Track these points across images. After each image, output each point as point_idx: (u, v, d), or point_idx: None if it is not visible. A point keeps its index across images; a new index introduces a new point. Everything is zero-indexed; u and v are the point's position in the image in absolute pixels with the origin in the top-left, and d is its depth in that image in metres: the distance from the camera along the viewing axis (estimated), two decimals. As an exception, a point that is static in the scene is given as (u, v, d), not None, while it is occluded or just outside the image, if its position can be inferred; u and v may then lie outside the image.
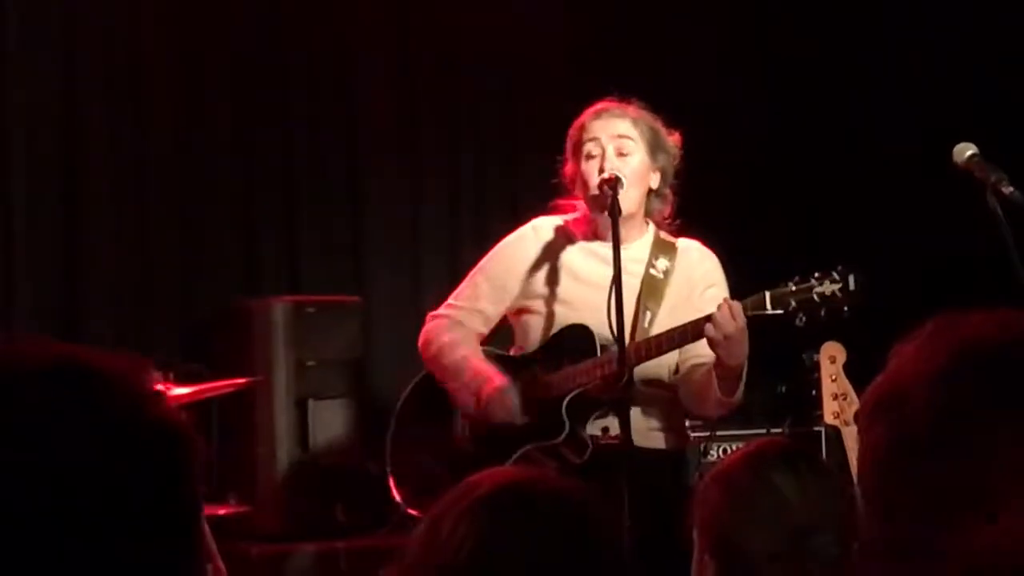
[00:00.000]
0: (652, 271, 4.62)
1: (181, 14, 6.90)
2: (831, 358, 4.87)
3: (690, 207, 4.68)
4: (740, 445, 6.14)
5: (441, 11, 7.36)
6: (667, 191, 4.63)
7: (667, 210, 4.66)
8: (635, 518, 3.90)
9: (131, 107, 6.79)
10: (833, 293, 4.17)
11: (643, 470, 4.33)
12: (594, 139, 4.53)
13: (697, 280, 4.62)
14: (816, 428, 5.75)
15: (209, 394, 5.41)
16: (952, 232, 6.32)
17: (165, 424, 1.44)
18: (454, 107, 7.47)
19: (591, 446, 4.44)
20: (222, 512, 5.68)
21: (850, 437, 4.75)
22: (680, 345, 4.38)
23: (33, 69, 6.57)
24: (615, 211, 4.35)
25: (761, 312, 4.21)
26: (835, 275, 4.18)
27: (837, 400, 4.81)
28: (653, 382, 4.52)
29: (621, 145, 4.52)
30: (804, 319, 4.17)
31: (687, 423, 4.77)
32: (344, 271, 7.22)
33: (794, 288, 4.20)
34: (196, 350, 6.57)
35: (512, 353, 4.76)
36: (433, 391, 4.75)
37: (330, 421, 6.59)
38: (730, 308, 4.18)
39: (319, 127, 7.20)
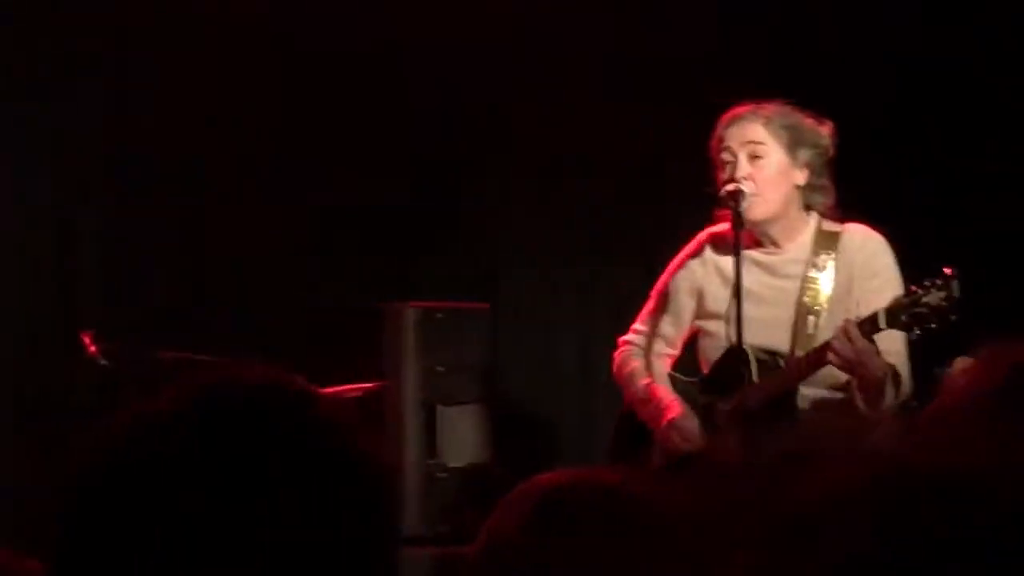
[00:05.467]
0: (812, 271, 4.55)
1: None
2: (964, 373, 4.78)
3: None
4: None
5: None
6: (824, 182, 4.57)
7: (829, 201, 4.60)
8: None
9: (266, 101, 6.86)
10: (939, 302, 4.07)
11: None
12: (727, 147, 4.51)
13: (857, 270, 4.53)
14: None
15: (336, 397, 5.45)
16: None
17: (373, 460, 1.43)
18: (593, 112, 7.44)
19: None
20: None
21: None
22: (805, 375, 4.32)
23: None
24: (737, 225, 4.33)
25: (877, 331, 4.15)
26: (939, 283, 4.09)
27: (970, 415, 4.72)
28: (839, 388, 4.43)
29: (753, 150, 4.50)
30: (918, 332, 4.09)
31: None
32: (477, 278, 7.23)
33: (905, 301, 4.12)
34: (325, 354, 6.62)
35: (693, 379, 4.73)
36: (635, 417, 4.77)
37: (458, 426, 6.60)
38: (847, 333, 4.13)
39: (450, 132, 7.22)
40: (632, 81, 7.36)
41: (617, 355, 4.78)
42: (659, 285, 4.76)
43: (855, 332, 4.13)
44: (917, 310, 4.08)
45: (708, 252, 4.65)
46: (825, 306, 4.46)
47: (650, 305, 4.77)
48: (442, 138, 7.20)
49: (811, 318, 4.47)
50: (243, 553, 1.33)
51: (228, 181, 6.84)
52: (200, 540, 1.33)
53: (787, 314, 4.42)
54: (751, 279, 4.48)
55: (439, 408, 6.55)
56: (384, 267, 7.15)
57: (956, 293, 4.06)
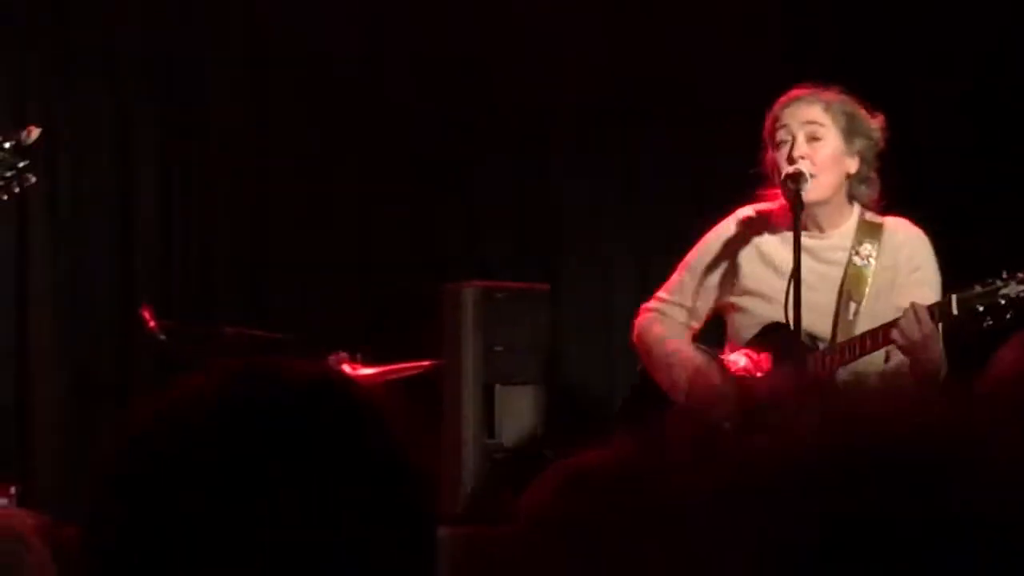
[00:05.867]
0: (856, 259, 4.52)
1: None
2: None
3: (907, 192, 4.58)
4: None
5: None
6: (872, 175, 4.54)
7: (874, 194, 4.57)
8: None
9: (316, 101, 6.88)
10: (1018, 295, 4.04)
11: None
12: (784, 126, 4.47)
13: (901, 263, 4.51)
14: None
15: (395, 375, 5.46)
16: None
17: (398, 458, 1.40)
18: (640, 96, 7.41)
19: None
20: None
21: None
22: (867, 351, 4.29)
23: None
24: (796, 207, 4.29)
25: (948, 317, 4.11)
26: (1020, 276, 4.05)
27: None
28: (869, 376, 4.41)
29: (812, 131, 4.44)
30: (991, 322, 4.05)
31: None
32: (535, 259, 7.23)
33: (980, 290, 4.08)
34: (386, 332, 6.64)
35: (722, 354, 4.68)
36: (645, 393, 4.73)
37: (515, 406, 6.60)
38: (916, 314, 4.10)
39: (510, 118, 7.20)
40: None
41: (639, 321, 4.71)
42: (691, 258, 4.67)
43: (925, 315, 4.10)
44: (994, 300, 4.05)
45: (747, 229, 4.59)
46: (866, 294, 4.44)
47: (678, 276, 4.67)
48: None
49: (852, 305, 4.43)
50: (241, 553, 1.33)
51: (288, 161, 6.86)
52: (197, 540, 1.33)
53: (829, 299, 4.39)
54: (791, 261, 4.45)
55: (497, 388, 6.55)
56: (445, 247, 7.15)
57: None
